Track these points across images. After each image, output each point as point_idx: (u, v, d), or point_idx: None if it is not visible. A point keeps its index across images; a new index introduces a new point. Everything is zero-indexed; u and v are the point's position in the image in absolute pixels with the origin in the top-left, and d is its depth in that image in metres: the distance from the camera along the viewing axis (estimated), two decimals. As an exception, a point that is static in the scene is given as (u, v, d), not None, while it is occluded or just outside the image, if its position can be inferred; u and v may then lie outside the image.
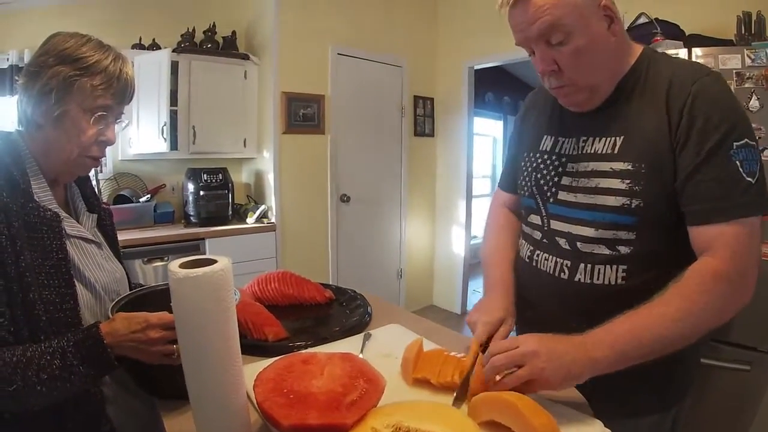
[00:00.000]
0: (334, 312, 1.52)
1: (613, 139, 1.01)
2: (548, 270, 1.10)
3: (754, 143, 0.91)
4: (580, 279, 1.04)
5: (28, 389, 0.83)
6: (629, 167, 0.97)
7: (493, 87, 6.64)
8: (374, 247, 4.55)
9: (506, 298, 1.15)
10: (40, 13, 3.23)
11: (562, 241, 1.08)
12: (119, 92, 1.03)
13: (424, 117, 4.81)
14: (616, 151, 0.99)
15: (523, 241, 1.22)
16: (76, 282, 0.99)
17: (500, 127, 7.30)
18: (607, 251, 1.01)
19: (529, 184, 1.17)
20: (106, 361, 0.88)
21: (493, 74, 5.85)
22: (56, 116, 0.97)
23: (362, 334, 1.26)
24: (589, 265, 1.03)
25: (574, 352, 0.84)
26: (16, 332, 0.88)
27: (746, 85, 2.03)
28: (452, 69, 4.69)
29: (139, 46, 3.54)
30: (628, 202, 0.97)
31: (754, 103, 2.00)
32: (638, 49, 1.04)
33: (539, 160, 1.15)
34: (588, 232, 1.03)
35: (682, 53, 2.20)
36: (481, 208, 7.08)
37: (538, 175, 1.14)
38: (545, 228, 1.12)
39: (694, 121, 0.91)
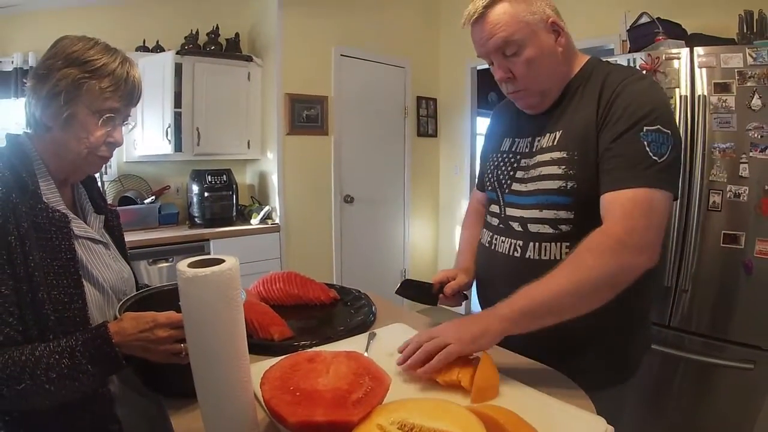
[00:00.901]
0: (338, 311, 1.53)
1: (554, 133, 1.17)
2: (504, 251, 1.24)
3: (668, 131, 1.02)
4: (530, 256, 1.18)
5: (36, 388, 0.84)
6: (564, 155, 1.12)
7: (496, 87, 6.49)
8: (378, 247, 4.56)
9: (466, 268, 1.40)
10: (44, 17, 3.26)
11: (515, 225, 1.22)
12: (127, 94, 1.04)
13: (427, 117, 4.82)
14: (555, 143, 1.16)
15: (485, 230, 1.36)
16: (84, 282, 1.00)
17: (503, 127, 7.26)
18: (550, 230, 1.15)
19: (491, 179, 1.34)
20: (114, 361, 0.89)
21: (496, 74, 5.81)
22: (65, 118, 0.98)
23: (367, 334, 1.27)
24: (537, 244, 1.17)
25: (481, 314, 1.03)
26: (24, 332, 0.89)
27: (748, 84, 2.02)
28: (455, 69, 4.70)
29: (143, 49, 3.56)
30: (564, 185, 1.12)
31: (756, 102, 2.00)
32: (584, 58, 1.21)
33: (499, 159, 1.32)
34: (534, 213, 1.17)
35: (684, 53, 2.19)
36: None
37: (498, 172, 1.31)
38: (502, 215, 1.28)
39: (615, 110, 1.06)
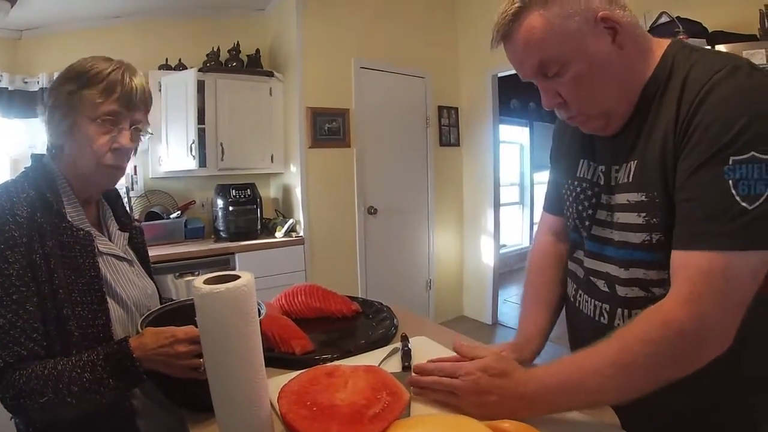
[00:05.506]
0: (360, 325, 1.52)
1: (629, 164, 0.89)
2: (589, 313, 1.00)
3: (766, 158, 0.70)
4: (619, 325, 0.92)
5: (58, 401, 0.87)
6: (643, 198, 0.86)
7: (518, 94, 6.59)
8: (402, 258, 4.54)
9: (523, 341, 1.10)
10: (68, 38, 3.37)
11: (600, 283, 0.97)
12: (123, 97, 1.03)
13: (449, 127, 4.80)
14: (630, 179, 0.88)
15: (569, 279, 1.12)
16: (108, 298, 1.02)
17: (527, 133, 7.23)
18: (641, 293, 0.89)
19: (573, 215, 1.05)
20: (134, 375, 0.90)
21: (517, 81, 5.64)
22: (66, 131, 1.02)
23: (389, 347, 1.26)
24: (626, 310, 0.91)
25: (508, 389, 0.83)
26: (48, 347, 0.91)
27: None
28: (475, 78, 4.69)
29: (165, 67, 3.63)
30: (648, 238, 0.86)
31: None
32: (661, 47, 0.88)
33: (578, 189, 1.03)
34: (620, 272, 0.92)
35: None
36: (510, 217, 7.03)
37: (579, 207, 1.02)
38: (585, 266, 1.02)
39: (693, 132, 0.76)
